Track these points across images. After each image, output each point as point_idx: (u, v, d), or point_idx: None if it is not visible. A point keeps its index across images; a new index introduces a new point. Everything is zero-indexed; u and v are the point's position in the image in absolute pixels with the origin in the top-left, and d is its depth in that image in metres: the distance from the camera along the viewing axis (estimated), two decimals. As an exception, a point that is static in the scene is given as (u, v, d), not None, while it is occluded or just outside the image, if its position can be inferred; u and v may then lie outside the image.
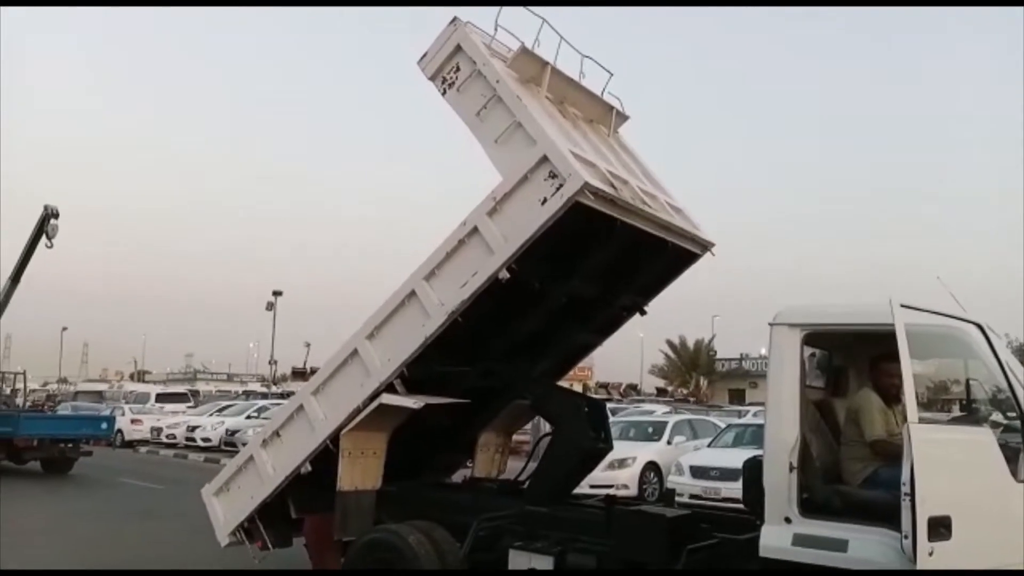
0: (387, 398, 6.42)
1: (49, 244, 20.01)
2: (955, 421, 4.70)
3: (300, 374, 48.48)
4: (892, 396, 5.05)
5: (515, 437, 8.80)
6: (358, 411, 6.50)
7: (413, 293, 6.44)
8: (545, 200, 5.83)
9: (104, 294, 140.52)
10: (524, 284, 6.24)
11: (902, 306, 4.26)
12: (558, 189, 5.77)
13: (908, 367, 4.23)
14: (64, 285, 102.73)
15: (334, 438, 6.60)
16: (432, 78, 6.67)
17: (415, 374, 6.45)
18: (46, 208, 19.85)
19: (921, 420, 4.18)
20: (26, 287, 20.52)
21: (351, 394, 6.61)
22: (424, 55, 6.71)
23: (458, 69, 6.54)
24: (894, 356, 4.38)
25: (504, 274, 5.97)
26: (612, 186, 6.14)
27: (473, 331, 6.47)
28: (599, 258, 6.62)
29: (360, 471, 6.66)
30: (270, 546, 7.20)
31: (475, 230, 6.20)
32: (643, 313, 7.63)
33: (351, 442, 6.58)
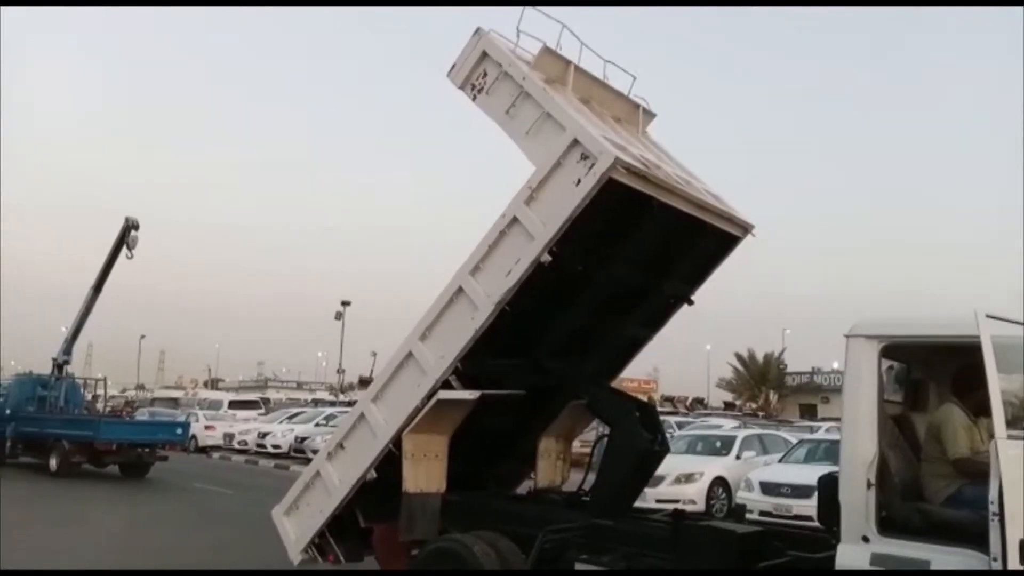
0: (444, 394, 6.51)
1: (129, 255, 20.79)
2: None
3: (366, 383, 48.95)
4: (977, 411, 4.83)
5: (576, 448, 8.69)
6: (417, 411, 6.59)
7: (460, 289, 6.56)
8: (579, 181, 5.95)
9: (181, 304, 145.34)
10: (567, 269, 6.36)
11: (988, 316, 4.06)
12: (591, 168, 5.90)
13: (995, 380, 4.04)
14: (143, 295, 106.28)
15: (396, 441, 6.67)
16: (462, 87, 6.94)
17: (469, 370, 6.53)
18: (127, 220, 20.63)
19: (1010, 436, 3.97)
20: (107, 296, 21.37)
21: (409, 395, 6.70)
22: (452, 67, 6.99)
23: (485, 75, 6.81)
24: (979, 369, 4.19)
25: (546, 257, 6.08)
26: (644, 165, 6.25)
27: (523, 323, 6.59)
28: (639, 241, 6.68)
29: (424, 473, 6.69)
30: (342, 559, 7.22)
31: (515, 220, 6.33)
32: (691, 303, 7.61)
33: (413, 444, 6.64)
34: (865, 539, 4.54)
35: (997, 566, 3.87)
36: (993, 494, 3.91)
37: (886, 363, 4.96)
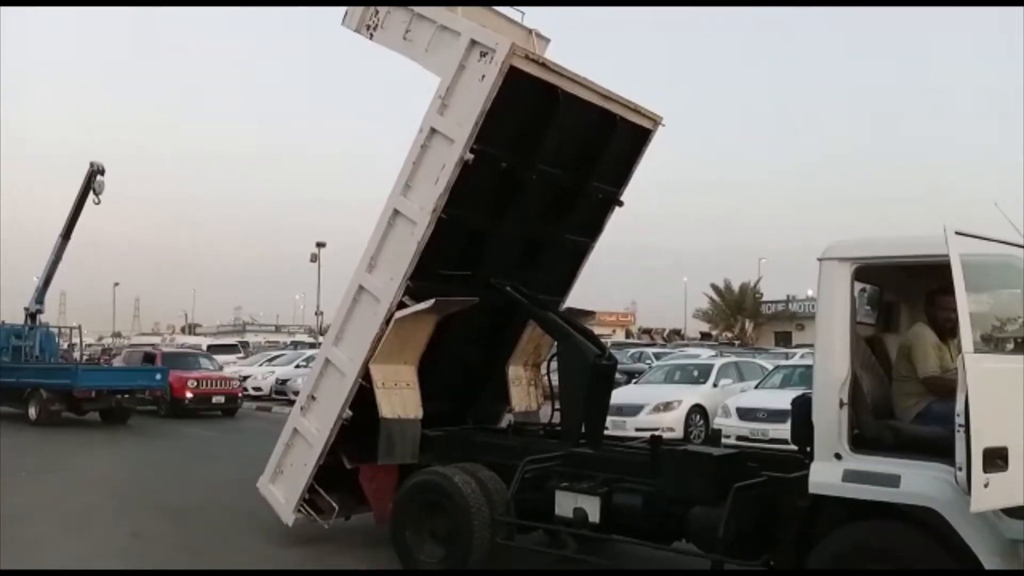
0: (400, 313, 6.65)
1: (97, 200, 20.45)
2: (1012, 352, 4.56)
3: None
4: (947, 331, 4.91)
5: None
6: (379, 339, 6.70)
7: (396, 211, 6.78)
8: (483, 76, 6.27)
9: (153, 250, 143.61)
10: (491, 167, 6.65)
11: (957, 233, 4.09)
12: (491, 60, 6.23)
13: (963, 296, 4.09)
14: (114, 242, 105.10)
15: (366, 375, 6.76)
16: (357, 30, 7.31)
17: (421, 288, 6.70)
18: (92, 165, 20.22)
19: (977, 351, 4.05)
20: (77, 244, 21.06)
21: (368, 326, 6.81)
22: (345, 15, 7.40)
23: (376, 12, 7.20)
24: (949, 289, 4.24)
25: (468, 156, 6.34)
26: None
27: (464, 236, 6.96)
28: (555, 136, 6.90)
29: (399, 401, 6.80)
30: (335, 506, 7.26)
31: (432, 131, 6.59)
32: (620, 204, 8.00)
33: (381, 374, 6.74)
34: (837, 456, 4.65)
35: (962, 476, 3.98)
36: (960, 407, 3.99)
37: (859, 286, 5.02)
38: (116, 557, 7.10)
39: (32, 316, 21.05)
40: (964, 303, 4.08)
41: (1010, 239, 4.53)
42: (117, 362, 24.43)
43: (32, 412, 18.28)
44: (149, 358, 21.61)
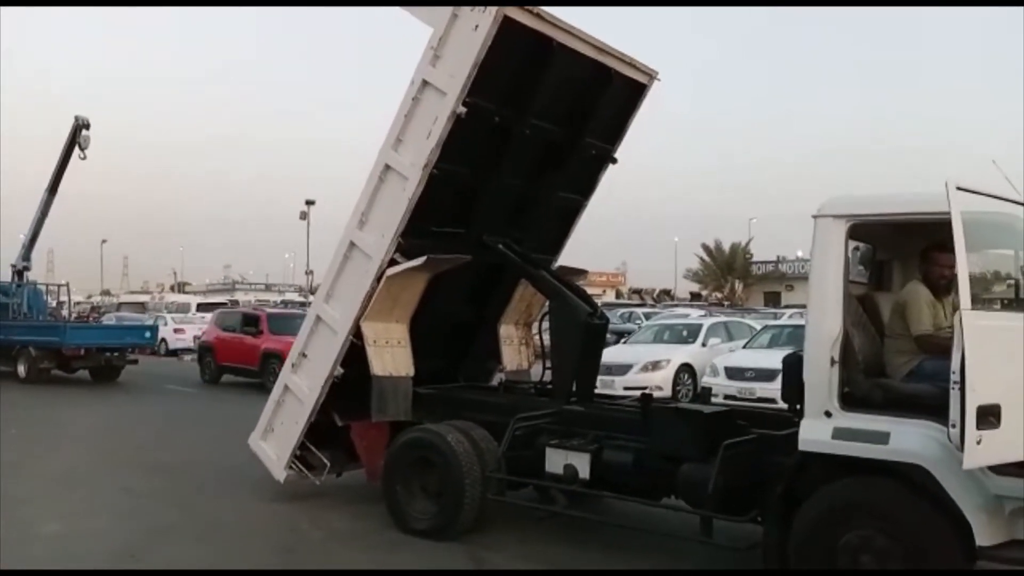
0: (392, 270, 6.59)
1: (82, 155, 20.20)
2: (1007, 309, 4.55)
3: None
4: (942, 288, 4.90)
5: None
6: (370, 296, 6.65)
7: (387, 167, 6.65)
8: (477, 26, 6.12)
9: (141, 208, 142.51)
10: (484, 120, 6.54)
11: (959, 189, 4.04)
12: (484, 10, 6.07)
13: (963, 253, 4.05)
14: (101, 199, 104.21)
15: (357, 333, 6.73)
16: None
17: (413, 245, 6.62)
18: (77, 119, 19.93)
19: (973, 308, 4.03)
20: (63, 201, 20.84)
21: (359, 283, 6.75)
22: None
23: None
24: (945, 246, 4.21)
25: (461, 108, 6.21)
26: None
27: (456, 192, 6.84)
28: (549, 89, 6.80)
29: (390, 359, 6.78)
30: (326, 462, 7.27)
31: (424, 83, 6.43)
32: (614, 161, 7.89)
33: (373, 332, 6.71)
34: (827, 414, 4.66)
35: (955, 432, 3.99)
36: (955, 364, 3.99)
37: (852, 244, 4.99)
38: (105, 512, 7.12)
39: (19, 273, 20.90)
40: (964, 260, 4.05)
41: (1009, 196, 4.49)
42: (206, 325, 21.20)
43: (21, 370, 18.25)
44: (251, 320, 18.18)
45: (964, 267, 4.03)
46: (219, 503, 7.49)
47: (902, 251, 5.54)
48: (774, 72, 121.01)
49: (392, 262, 6.62)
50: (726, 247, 58.91)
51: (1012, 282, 4.77)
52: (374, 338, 6.71)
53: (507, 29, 6.13)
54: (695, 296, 57.60)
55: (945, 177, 3.94)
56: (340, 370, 6.86)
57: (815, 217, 4.80)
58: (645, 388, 13.23)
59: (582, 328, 6.84)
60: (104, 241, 78.02)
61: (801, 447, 4.73)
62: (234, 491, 7.81)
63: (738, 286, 58.16)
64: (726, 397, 13.26)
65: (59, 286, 23.95)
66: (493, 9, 6.03)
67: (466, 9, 6.22)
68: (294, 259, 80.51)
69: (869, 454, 4.49)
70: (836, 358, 4.66)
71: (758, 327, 17.61)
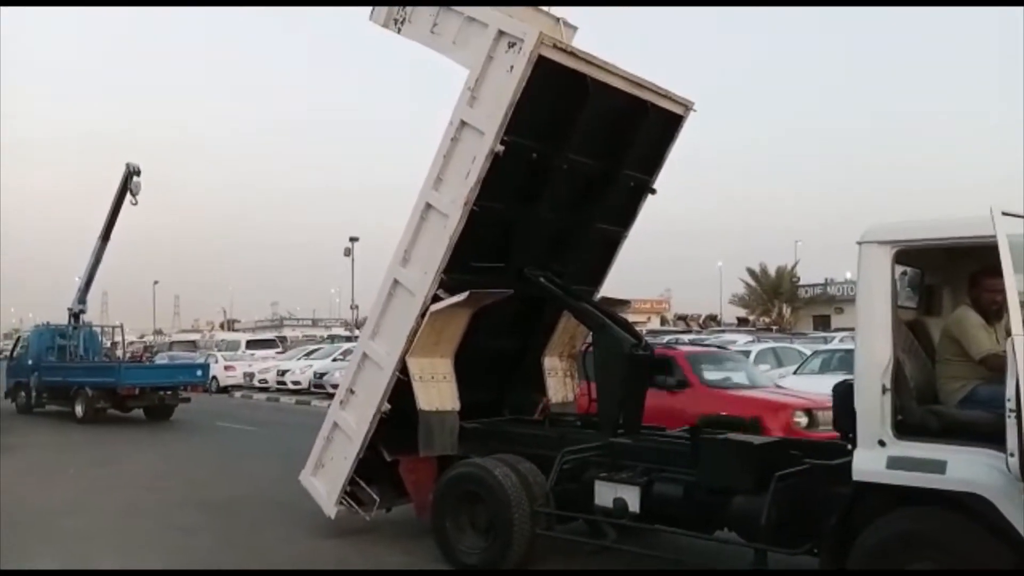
0: (436, 306, 6.67)
1: (134, 201, 20.77)
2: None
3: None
4: (992, 314, 4.81)
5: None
6: (415, 332, 6.73)
7: (428, 205, 6.77)
8: (512, 67, 6.24)
9: (192, 248, 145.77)
10: (522, 158, 6.65)
11: (1004, 214, 3.99)
12: (520, 51, 6.19)
13: (1011, 277, 3.99)
14: (153, 241, 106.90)
15: (403, 369, 6.80)
16: (384, 25, 7.32)
17: (455, 281, 6.72)
18: (128, 166, 20.53)
19: (1026, 334, 3.95)
20: (116, 244, 21.43)
21: (404, 320, 6.84)
22: (372, 11, 7.41)
23: (404, 7, 7.20)
24: (994, 270, 4.14)
25: (499, 147, 6.32)
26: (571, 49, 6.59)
27: (496, 228, 6.95)
28: (585, 124, 6.86)
29: (436, 393, 6.84)
30: (376, 498, 7.34)
31: (462, 123, 6.58)
32: (653, 192, 7.90)
33: (419, 367, 6.78)
34: (881, 443, 4.57)
35: (1014, 462, 3.89)
36: (1010, 392, 3.90)
37: (899, 269, 4.93)
38: (160, 551, 7.25)
39: (75, 316, 21.48)
40: (1013, 284, 3.98)
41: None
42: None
43: (79, 410, 18.66)
44: (658, 364, 8.84)
45: (1014, 291, 3.96)
46: (270, 539, 7.58)
47: (951, 275, 5.45)
48: (822, 90, 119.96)
49: (435, 298, 6.70)
50: (772, 270, 58.15)
51: None
52: (420, 374, 6.77)
53: (542, 68, 6.22)
54: (742, 321, 56.83)
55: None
56: (387, 406, 6.94)
57: (859, 243, 4.75)
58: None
59: (626, 360, 6.83)
60: (156, 282, 79.81)
61: (855, 477, 4.64)
62: (285, 527, 7.89)
63: (786, 310, 57.30)
64: (777, 425, 13.03)
65: (113, 327, 24.57)
66: (528, 50, 6.12)
67: (501, 51, 6.34)
68: (340, 294, 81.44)
69: (926, 484, 4.39)
70: (888, 385, 4.58)
71: (808, 352, 17.34)
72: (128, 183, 20.48)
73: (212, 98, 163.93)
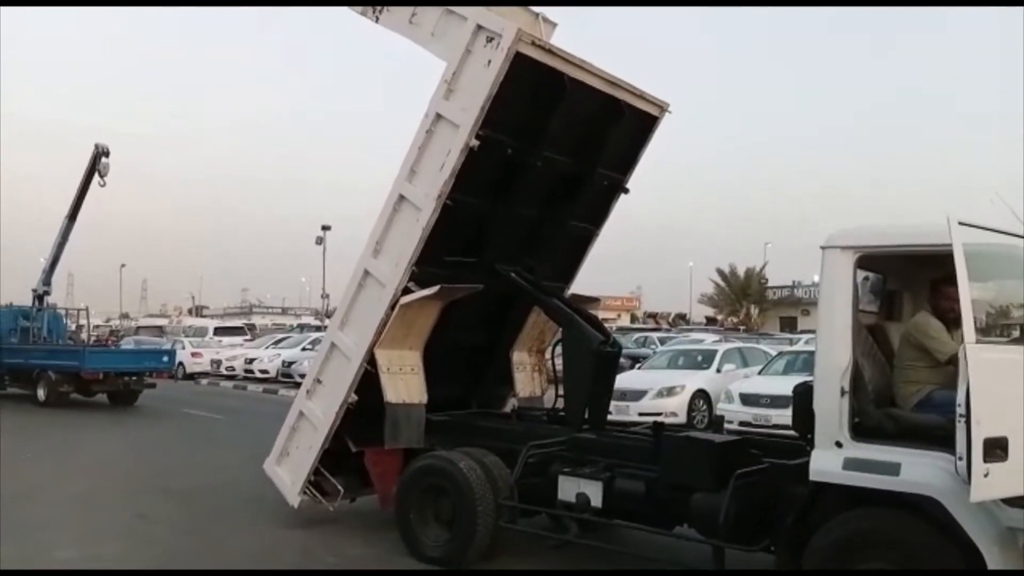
0: (405, 298, 6.67)
1: (102, 182, 20.49)
2: (1014, 342, 4.57)
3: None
4: (951, 321, 4.91)
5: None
6: (384, 323, 6.73)
7: (401, 197, 6.76)
8: (490, 62, 6.24)
9: (161, 232, 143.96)
10: (497, 153, 6.63)
11: (960, 224, 4.09)
12: (497, 46, 6.20)
13: (965, 286, 4.09)
14: (121, 223, 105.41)
15: (371, 360, 6.80)
16: (363, 13, 7.26)
17: (426, 274, 6.71)
18: (97, 147, 20.25)
19: (978, 341, 4.06)
20: (83, 225, 21.13)
21: (373, 311, 6.83)
22: None
23: (383, 6, 7.11)
24: (953, 279, 4.24)
25: (474, 142, 6.32)
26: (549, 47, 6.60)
27: (470, 222, 6.94)
28: (561, 122, 6.87)
29: (403, 386, 6.85)
30: (340, 489, 7.34)
31: (438, 116, 6.56)
32: (626, 191, 7.99)
33: (387, 359, 6.78)
34: (838, 444, 4.67)
35: (962, 465, 4.00)
36: (961, 397, 4.01)
37: (861, 274, 5.02)
38: (120, 539, 7.17)
39: (39, 298, 21.16)
40: (967, 293, 4.09)
41: (1013, 230, 4.52)
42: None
43: (41, 394, 18.43)
44: None
45: (967, 300, 4.06)
46: (233, 529, 7.54)
47: (912, 281, 5.56)
48: (793, 92, 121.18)
49: (406, 290, 6.70)
50: (741, 271, 58.70)
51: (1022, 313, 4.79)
52: (387, 365, 6.78)
53: (519, 64, 6.23)
54: (710, 321, 57.33)
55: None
56: (354, 397, 6.93)
57: (823, 248, 4.84)
58: (660, 414, 13.25)
59: (594, 356, 6.89)
60: (123, 265, 78.76)
61: (812, 477, 4.74)
62: (248, 516, 7.86)
63: (753, 311, 57.88)
64: (741, 424, 13.23)
65: (78, 310, 24.27)
66: (506, 46, 6.13)
67: (479, 45, 6.33)
68: (310, 283, 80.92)
69: (880, 485, 4.49)
70: (846, 388, 4.67)
71: (773, 352, 17.56)
72: (96, 164, 20.21)
73: (186, 90, 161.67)
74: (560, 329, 7.46)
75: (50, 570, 5.76)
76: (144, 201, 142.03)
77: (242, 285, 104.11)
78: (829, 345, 4.78)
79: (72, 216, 20.86)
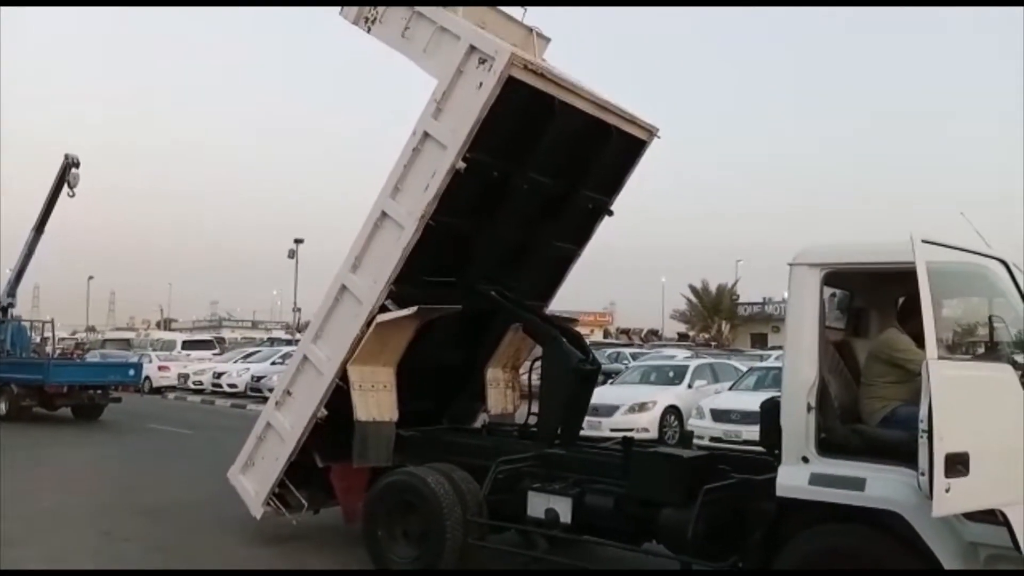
0: (382, 317, 6.60)
1: (71, 193, 20.17)
2: (977, 359, 4.64)
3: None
4: (918, 337, 4.97)
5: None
6: (358, 340, 6.65)
7: (384, 214, 6.67)
8: (481, 84, 6.16)
9: (129, 244, 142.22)
10: (483, 175, 6.57)
11: (923, 242, 4.16)
12: (490, 69, 6.12)
13: (928, 303, 4.15)
14: (89, 235, 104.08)
15: (343, 376, 6.72)
16: (355, 22, 7.15)
17: (404, 293, 6.65)
18: (67, 157, 19.94)
19: (940, 358, 4.12)
20: (51, 236, 20.78)
21: (349, 327, 6.75)
22: (342, 7, 7.22)
23: (375, 5, 7.02)
24: (919, 296, 4.30)
25: (460, 164, 6.24)
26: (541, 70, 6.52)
27: (451, 242, 6.83)
28: (548, 145, 6.83)
29: (374, 403, 6.77)
30: (304, 502, 7.27)
31: (425, 135, 6.47)
32: (610, 214, 7.91)
33: (359, 375, 6.70)
34: (805, 460, 4.70)
35: (924, 480, 4.05)
36: (923, 413, 4.05)
37: (828, 290, 5.08)
38: (87, 557, 7.04)
39: (4, 309, 20.72)
40: (929, 310, 4.15)
41: (976, 248, 4.60)
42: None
43: (2, 407, 18.07)
44: None
45: (930, 318, 4.12)
46: (201, 545, 7.42)
47: (879, 298, 5.63)
48: (766, 111, 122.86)
49: (383, 308, 6.61)
50: (713, 288, 59.19)
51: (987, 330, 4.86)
52: (360, 382, 6.70)
53: (510, 87, 6.17)
54: (682, 337, 57.69)
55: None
56: (324, 412, 6.86)
57: (791, 265, 4.89)
58: (632, 430, 13.27)
59: (574, 373, 6.88)
60: (91, 277, 77.54)
61: (779, 493, 4.76)
62: (215, 533, 7.75)
63: (725, 327, 58.32)
64: (712, 439, 13.29)
65: (43, 323, 23.80)
66: (498, 69, 6.05)
67: (472, 66, 6.25)
68: (282, 296, 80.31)
69: (846, 500, 4.53)
70: (813, 404, 4.71)
71: (744, 368, 17.68)
72: (66, 174, 19.89)
73: (155, 101, 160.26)
74: (537, 346, 7.43)
75: (50, 570, 5.64)
76: (113, 212, 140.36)
77: (212, 298, 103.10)
78: (796, 361, 4.82)
79: (39, 228, 20.50)
